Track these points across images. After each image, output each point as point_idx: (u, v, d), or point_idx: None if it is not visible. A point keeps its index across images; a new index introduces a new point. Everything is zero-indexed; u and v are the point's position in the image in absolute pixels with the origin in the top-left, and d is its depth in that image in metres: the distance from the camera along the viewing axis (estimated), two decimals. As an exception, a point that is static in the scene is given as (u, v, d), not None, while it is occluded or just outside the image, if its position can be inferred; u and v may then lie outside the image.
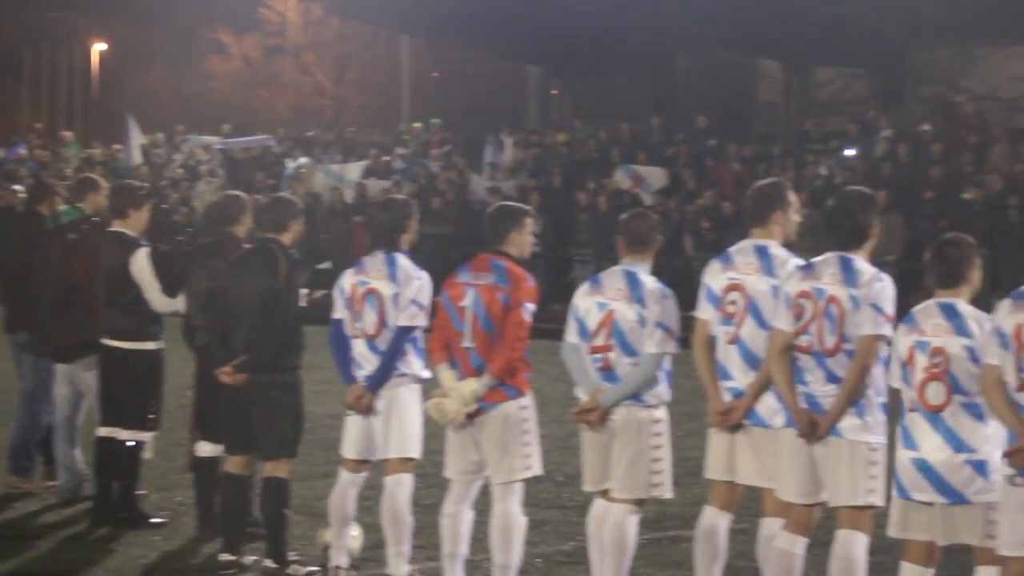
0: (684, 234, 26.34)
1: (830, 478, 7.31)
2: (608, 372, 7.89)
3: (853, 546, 7.28)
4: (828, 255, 7.42)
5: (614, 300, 7.90)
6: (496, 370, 8.05)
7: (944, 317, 6.94)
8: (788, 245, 7.85)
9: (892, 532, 7.22)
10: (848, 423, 7.24)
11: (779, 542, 7.48)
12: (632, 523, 7.90)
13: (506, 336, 8.06)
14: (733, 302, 7.74)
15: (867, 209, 7.45)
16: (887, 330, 7.22)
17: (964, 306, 6.96)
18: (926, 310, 7.10)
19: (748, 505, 8.28)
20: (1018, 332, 6.62)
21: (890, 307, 7.26)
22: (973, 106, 30.04)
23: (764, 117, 37.84)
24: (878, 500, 7.34)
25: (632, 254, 8.02)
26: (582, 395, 7.99)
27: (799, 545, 7.45)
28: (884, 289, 7.25)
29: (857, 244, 7.40)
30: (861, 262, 7.34)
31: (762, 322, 7.61)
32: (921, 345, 7.02)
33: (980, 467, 6.82)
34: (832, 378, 7.27)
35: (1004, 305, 6.73)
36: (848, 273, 7.29)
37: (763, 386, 7.58)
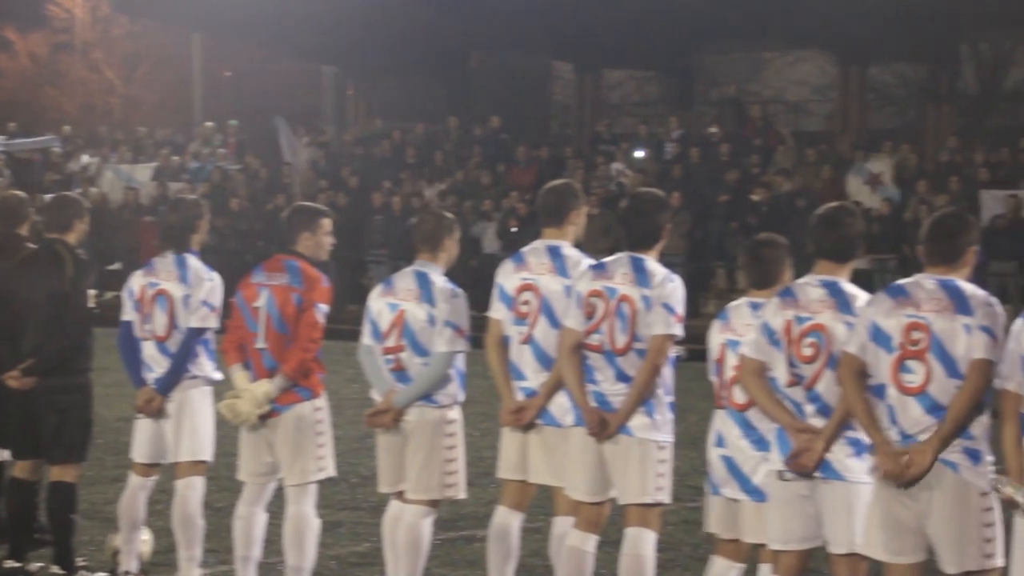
0: (482, 234, 26.52)
1: (619, 476, 7.39)
2: (401, 373, 7.89)
3: (642, 543, 7.37)
4: (619, 255, 7.51)
5: (405, 301, 7.91)
6: (289, 371, 8.01)
7: (755, 316, 7.05)
8: (579, 245, 7.92)
9: (709, 528, 7.33)
10: (637, 422, 7.33)
11: (570, 540, 7.55)
12: (427, 524, 7.91)
13: (299, 337, 8.02)
14: (526, 302, 7.79)
15: (660, 210, 7.55)
16: (678, 330, 7.33)
17: None
18: (738, 309, 7.22)
19: (541, 504, 8.35)
20: (788, 328, 6.76)
21: (681, 307, 7.37)
22: (760, 109, 30.73)
23: (558, 118, 38.24)
24: (666, 498, 7.46)
25: (423, 254, 8.03)
26: (377, 397, 7.98)
27: (590, 543, 7.53)
28: (676, 290, 7.35)
29: (649, 245, 7.50)
30: (652, 262, 7.44)
31: (555, 322, 7.67)
32: (732, 344, 7.13)
33: None
34: (622, 377, 7.35)
35: (773, 302, 6.87)
36: (640, 273, 7.38)
37: (555, 386, 7.65)
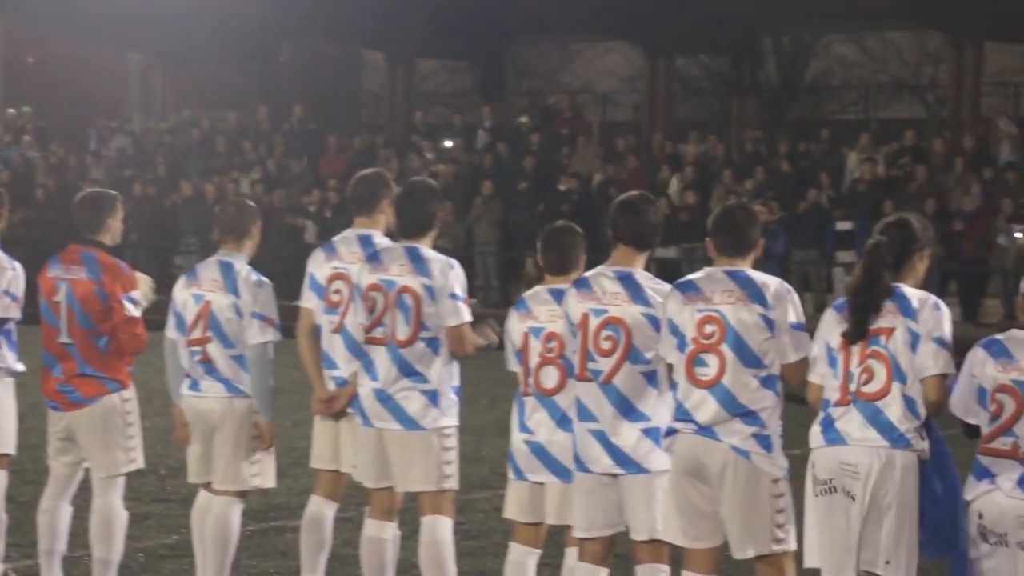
0: (302, 224, 26.43)
1: (401, 466, 7.40)
2: (208, 364, 7.82)
3: (439, 530, 7.40)
4: (392, 245, 7.53)
5: (210, 291, 7.84)
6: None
7: (557, 303, 7.12)
8: (390, 234, 7.92)
9: (507, 514, 7.34)
10: (418, 409, 7.35)
11: (367, 529, 7.57)
12: (235, 514, 7.86)
13: (120, 342, 7.90)
14: (337, 291, 7.78)
15: (432, 199, 7.57)
16: (468, 316, 7.38)
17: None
18: (536, 296, 7.26)
19: (354, 494, 8.35)
20: (584, 320, 6.83)
21: (464, 291, 7.41)
22: (569, 99, 31.03)
23: (370, 108, 38.13)
24: (455, 484, 7.50)
25: (227, 244, 7.96)
26: (174, 395, 7.91)
27: (387, 531, 7.55)
28: (458, 276, 7.40)
29: (423, 233, 7.51)
30: (428, 250, 7.45)
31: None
32: (535, 331, 7.19)
33: None
34: (406, 370, 7.34)
35: (571, 292, 6.95)
36: (418, 263, 7.39)
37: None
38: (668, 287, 6.79)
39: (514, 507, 7.30)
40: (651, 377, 6.76)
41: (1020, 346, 6.14)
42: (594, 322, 6.80)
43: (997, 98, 34.11)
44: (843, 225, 23.12)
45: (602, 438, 6.77)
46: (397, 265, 7.40)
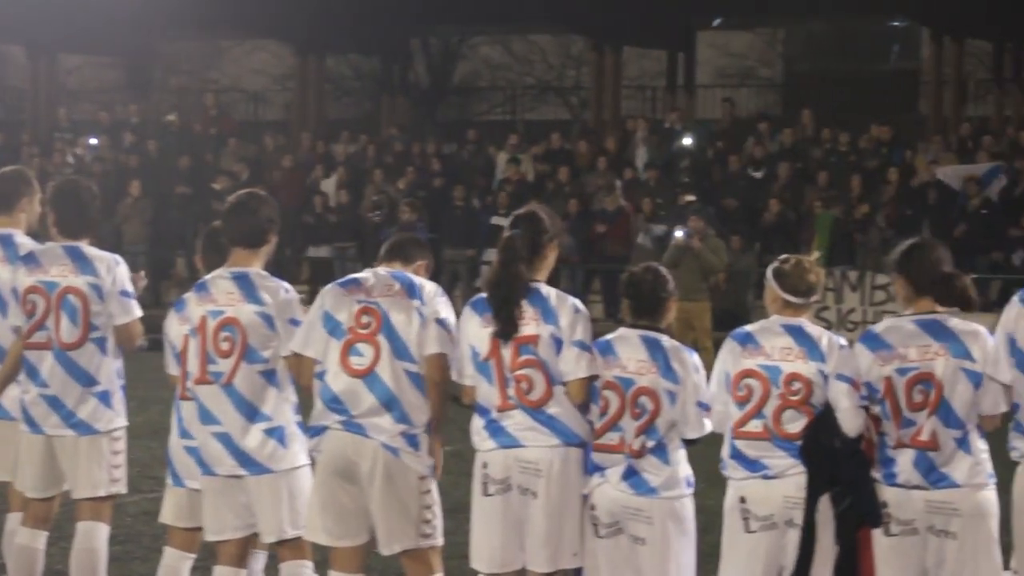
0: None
1: (72, 471, 7.30)
2: None
3: (95, 537, 7.31)
4: (51, 245, 7.40)
5: None
6: None
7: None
8: (33, 234, 7.75)
9: (164, 519, 7.27)
10: (89, 413, 7.25)
11: (19, 538, 7.40)
12: None
13: None
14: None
15: (93, 201, 7.48)
16: (139, 311, 7.31)
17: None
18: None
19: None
20: (203, 323, 6.78)
21: (131, 287, 7.33)
22: (215, 97, 30.73)
23: (11, 104, 36.93)
24: (123, 488, 7.42)
25: None
26: None
27: (40, 539, 7.40)
28: (125, 272, 7.32)
29: (84, 233, 7.41)
30: (90, 248, 7.36)
31: (4, 315, 7.51)
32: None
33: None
34: (77, 375, 7.24)
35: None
36: (80, 262, 7.27)
37: (6, 378, 7.47)
38: (284, 285, 6.83)
39: (171, 512, 7.24)
40: (270, 376, 6.77)
41: (624, 343, 6.48)
42: (212, 324, 6.78)
43: (636, 101, 35.27)
44: (498, 220, 23.49)
45: (225, 440, 6.74)
46: (57, 266, 7.26)
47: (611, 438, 6.47)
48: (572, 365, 6.43)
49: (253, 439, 6.72)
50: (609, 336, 6.59)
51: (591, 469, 6.51)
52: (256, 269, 6.86)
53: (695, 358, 6.52)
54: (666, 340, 6.52)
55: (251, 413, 6.74)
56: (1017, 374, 6.04)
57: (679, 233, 17.64)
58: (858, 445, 6.22)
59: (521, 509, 6.44)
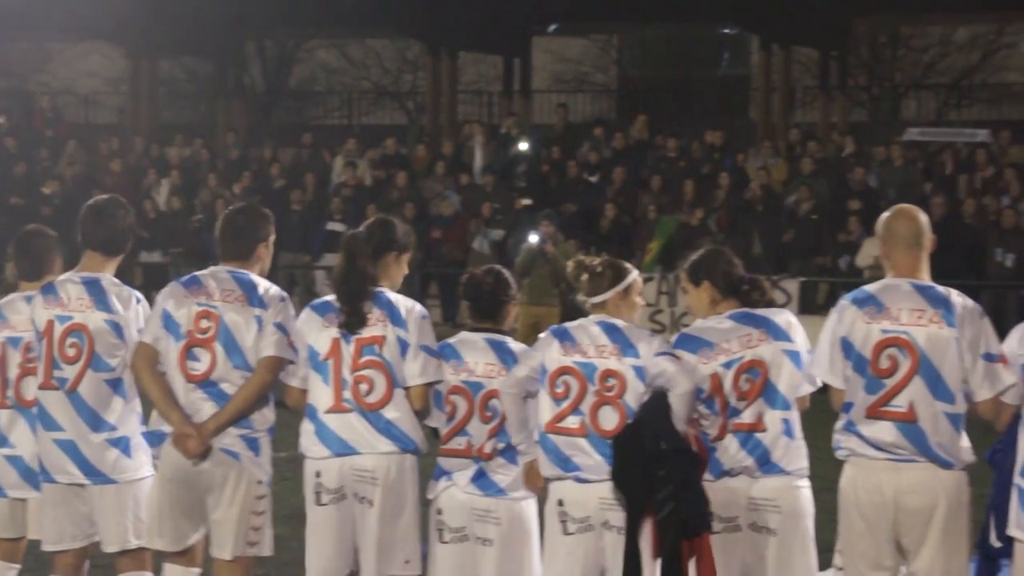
0: None
1: None
2: None
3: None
4: None
5: None
6: None
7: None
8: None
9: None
10: None
11: None
12: None
13: None
14: None
15: None
16: None
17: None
18: (12, 304, 7.11)
19: None
20: (50, 328, 6.71)
21: None
22: (48, 100, 30.21)
23: None
24: None
25: None
26: None
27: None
28: None
29: None
30: None
31: None
32: (13, 341, 6.98)
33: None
34: None
35: (37, 298, 6.85)
36: None
37: None
38: (136, 294, 6.81)
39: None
40: (116, 385, 6.73)
41: (468, 346, 6.52)
42: (59, 329, 6.73)
43: (473, 106, 35.42)
44: (334, 226, 23.44)
45: (69, 448, 6.69)
46: None
47: (459, 442, 6.52)
48: (418, 369, 6.46)
49: (96, 448, 6.65)
50: (451, 340, 6.65)
51: (437, 474, 6.55)
52: (109, 276, 6.83)
53: None
54: (511, 342, 6.60)
55: (95, 421, 6.69)
56: (852, 375, 6.19)
57: (533, 238, 17.68)
58: (688, 444, 6.30)
59: (356, 517, 6.45)
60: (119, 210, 6.90)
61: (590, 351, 6.39)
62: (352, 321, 6.45)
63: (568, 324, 6.56)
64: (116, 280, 6.84)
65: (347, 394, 6.46)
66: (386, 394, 6.45)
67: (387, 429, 6.43)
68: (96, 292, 6.74)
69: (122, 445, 6.69)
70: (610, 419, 6.34)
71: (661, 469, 6.17)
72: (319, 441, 6.49)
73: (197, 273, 6.71)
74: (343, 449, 6.45)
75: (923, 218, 6.29)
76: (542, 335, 6.51)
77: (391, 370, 6.45)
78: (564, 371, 6.39)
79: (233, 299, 6.54)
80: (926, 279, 6.22)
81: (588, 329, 6.45)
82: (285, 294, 6.67)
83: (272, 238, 6.74)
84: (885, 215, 6.35)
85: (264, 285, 6.61)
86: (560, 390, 6.40)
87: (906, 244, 6.22)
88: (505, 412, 6.44)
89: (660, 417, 6.24)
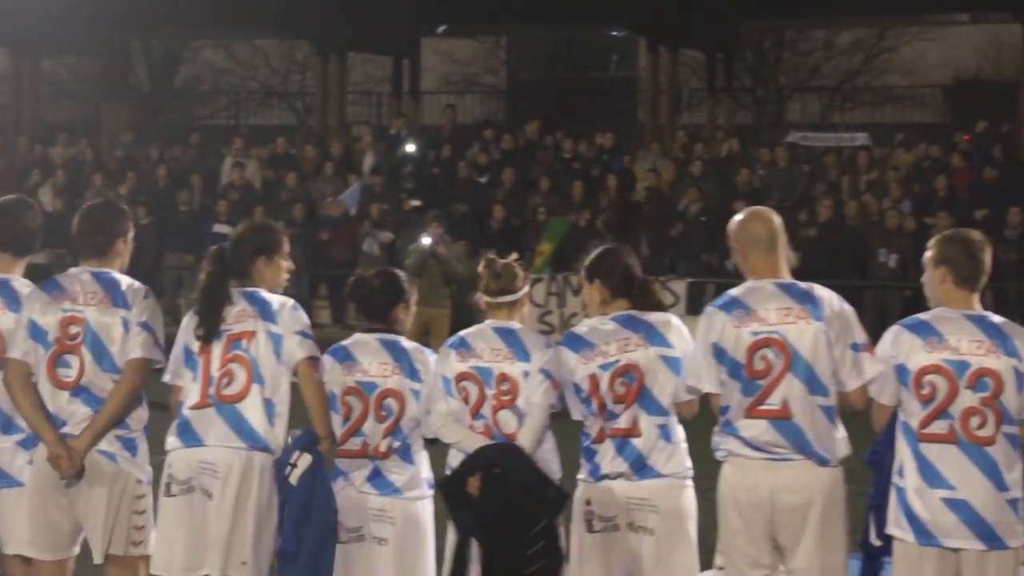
0: None
1: None
2: None
3: None
4: None
5: None
6: None
7: None
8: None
9: None
10: None
11: None
12: None
13: None
14: None
15: None
16: None
17: None
18: None
19: None
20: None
21: None
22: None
23: None
24: None
25: None
26: None
27: None
28: None
29: None
30: None
31: None
32: None
33: None
34: None
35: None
36: None
37: None
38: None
39: None
40: None
41: (362, 348, 6.55)
42: None
43: (362, 107, 35.35)
44: (221, 228, 23.27)
45: None
46: None
47: (354, 443, 6.53)
48: (296, 344, 6.41)
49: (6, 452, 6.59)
50: (345, 342, 6.66)
51: (335, 475, 6.55)
52: (18, 276, 6.79)
53: (434, 358, 6.62)
54: (404, 341, 6.63)
55: (7, 425, 6.63)
56: (727, 379, 6.25)
57: (426, 240, 17.68)
58: (550, 481, 6.39)
59: (201, 510, 6.39)
60: (27, 211, 6.86)
61: (485, 355, 6.47)
62: (208, 334, 6.43)
63: (464, 332, 6.62)
64: (27, 281, 6.79)
65: (211, 390, 6.44)
66: (244, 388, 6.40)
67: (238, 424, 6.38)
68: (7, 293, 6.70)
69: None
70: (508, 423, 6.44)
71: (536, 526, 6.24)
72: (174, 434, 6.48)
73: (57, 277, 6.64)
74: (192, 441, 6.42)
75: (777, 219, 6.37)
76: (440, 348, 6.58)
77: (255, 366, 6.41)
78: (464, 376, 6.48)
79: (97, 301, 6.48)
80: (787, 277, 6.30)
81: (484, 334, 6.53)
82: (147, 288, 6.60)
83: (131, 234, 6.69)
84: (737, 218, 6.44)
85: (126, 282, 6.54)
86: (463, 395, 6.49)
87: (764, 246, 6.29)
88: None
89: (520, 464, 6.31)
